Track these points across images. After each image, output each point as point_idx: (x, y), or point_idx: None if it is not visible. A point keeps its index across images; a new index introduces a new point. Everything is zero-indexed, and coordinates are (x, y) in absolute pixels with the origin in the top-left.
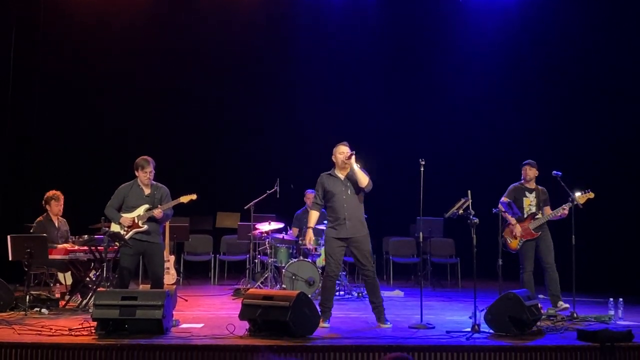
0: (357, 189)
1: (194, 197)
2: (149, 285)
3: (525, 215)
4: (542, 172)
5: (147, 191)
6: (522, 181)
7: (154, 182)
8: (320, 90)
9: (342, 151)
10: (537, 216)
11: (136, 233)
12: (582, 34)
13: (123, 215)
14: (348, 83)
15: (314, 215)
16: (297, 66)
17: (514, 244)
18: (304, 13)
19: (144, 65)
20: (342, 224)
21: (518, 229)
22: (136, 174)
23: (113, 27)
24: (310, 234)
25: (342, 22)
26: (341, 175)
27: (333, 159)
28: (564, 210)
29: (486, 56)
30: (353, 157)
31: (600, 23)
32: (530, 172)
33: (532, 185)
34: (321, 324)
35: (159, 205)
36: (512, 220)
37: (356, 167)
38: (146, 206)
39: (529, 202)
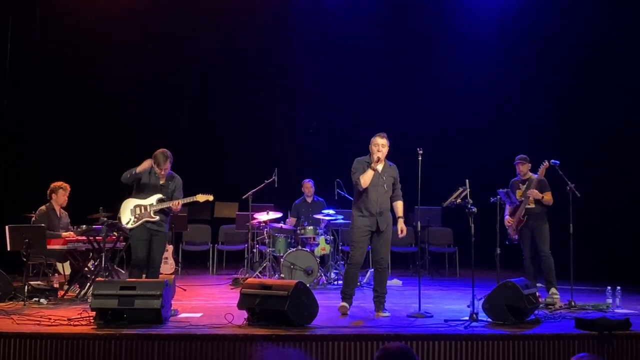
0: (392, 183)
1: (210, 198)
2: (154, 275)
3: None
4: (540, 162)
5: (162, 181)
6: (519, 176)
7: (170, 172)
8: (319, 80)
9: (377, 143)
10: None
11: (147, 222)
12: (581, 21)
13: (133, 198)
14: (346, 72)
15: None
16: (295, 56)
17: (513, 233)
18: (303, 1)
19: (142, 57)
20: (374, 217)
21: (508, 220)
22: (153, 166)
23: (112, 20)
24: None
25: (341, 9)
26: (378, 166)
27: (369, 148)
28: (531, 193)
29: (485, 45)
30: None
31: (601, 9)
32: (522, 167)
33: (527, 177)
34: (341, 305)
35: (178, 198)
36: (506, 212)
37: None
38: (159, 196)
39: (521, 193)
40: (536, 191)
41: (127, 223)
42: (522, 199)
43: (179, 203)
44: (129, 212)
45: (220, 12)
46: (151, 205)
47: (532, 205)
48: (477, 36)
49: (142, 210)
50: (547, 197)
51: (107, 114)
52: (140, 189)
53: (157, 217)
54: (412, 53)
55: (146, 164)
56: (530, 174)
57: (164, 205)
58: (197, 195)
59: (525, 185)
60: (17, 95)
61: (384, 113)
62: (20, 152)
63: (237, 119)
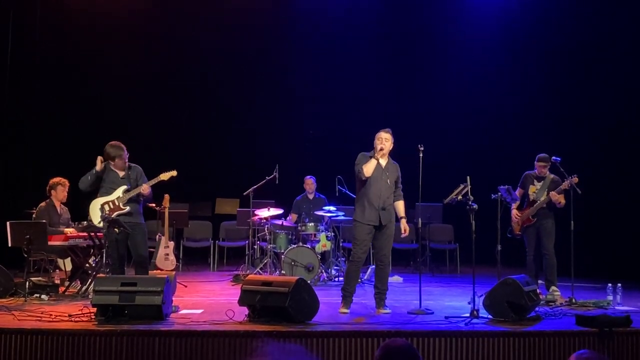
0: (394, 180)
1: (174, 173)
2: (142, 269)
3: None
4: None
5: (121, 174)
6: (536, 171)
7: (127, 163)
8: (320, 78)
9: (380, 137)
10: (537, 203)
11: (119, 215)
12: (581, 21)
13: (99, 197)
14: (346, 72)
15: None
16: (297, 54)
17: (516, 229)
18: (303, 1)
19: (142, 57)
20: (376, 212)
21: (515, 214)
22: (111, 163)
23: (113, 19)
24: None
25: (341, 9)
26: (382, 161)
27: (374, 143)
28: (554, 197)
29: (485, 42)
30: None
31: (601, 9)
32: (544, 170)
33: (544, 174)
34: (341, 309)
35: (144, 183)
36: (513, 206)
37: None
38: (124, 187)
39: (534, 189)
40: (558, 195)
41: (99, 223)
42: (534, 197)
43: (146, 187)
44: (98, 212)
45: (220, 12)
46: (119, 198)
47: (545, 205)
48: (477, 36)
49: (112, 206)
50: (563, 200)
51: (107, 114)
52: (104, 188)
53: (128, 208)
54: (412, 53)
55: (101, 162)
56: (548, 172)
57: (132, 193)
58: (161, 175)
59: (541, 184)
60: (17, 95)
61: (384, 113)
62: (20, 152)
63: (237, 119)
